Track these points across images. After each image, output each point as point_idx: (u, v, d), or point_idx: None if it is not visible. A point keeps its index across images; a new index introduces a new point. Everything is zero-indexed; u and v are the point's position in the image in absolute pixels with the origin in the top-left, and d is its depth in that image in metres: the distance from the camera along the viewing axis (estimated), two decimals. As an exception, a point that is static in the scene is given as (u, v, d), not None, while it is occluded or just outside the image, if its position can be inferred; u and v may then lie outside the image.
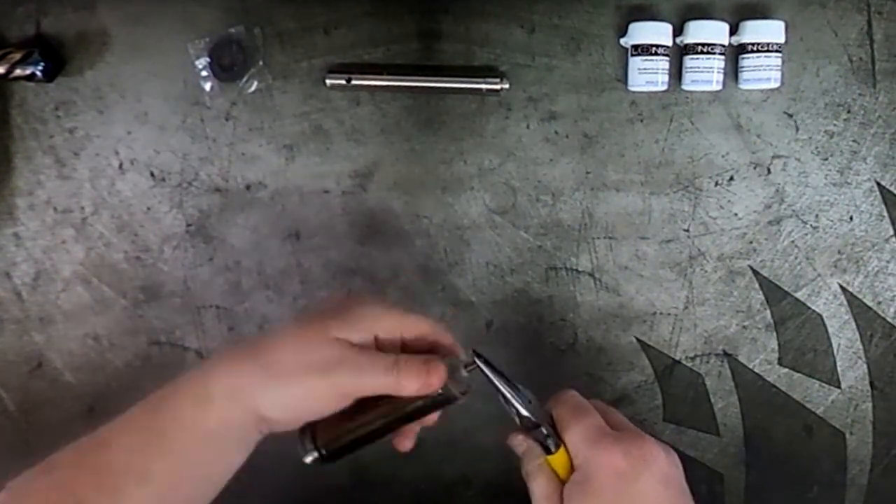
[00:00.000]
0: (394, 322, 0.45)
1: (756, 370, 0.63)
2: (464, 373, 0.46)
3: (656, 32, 0.59)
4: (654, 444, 0.44)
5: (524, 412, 0.45)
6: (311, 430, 0.44)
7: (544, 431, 0.45)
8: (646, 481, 0.42)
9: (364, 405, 0.43)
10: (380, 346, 0.44)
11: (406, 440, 0.47)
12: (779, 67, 0.59)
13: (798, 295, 0.63)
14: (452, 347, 0.47)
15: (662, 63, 0.59)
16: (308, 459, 0.43)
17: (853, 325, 0.63)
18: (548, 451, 0.45)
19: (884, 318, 0.63)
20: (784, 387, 0.63)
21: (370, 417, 0.44)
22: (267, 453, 0.44)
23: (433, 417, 0.46)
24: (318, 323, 0.43)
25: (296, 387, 0.41)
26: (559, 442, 0.45)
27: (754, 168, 0.62)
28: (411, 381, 0.42)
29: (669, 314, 0.63)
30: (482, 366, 0.45)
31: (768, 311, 0.63)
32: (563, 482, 0.45)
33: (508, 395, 0.45)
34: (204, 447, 0.41)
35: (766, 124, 0.62)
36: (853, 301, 0.63)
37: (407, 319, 0.45)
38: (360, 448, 0.45)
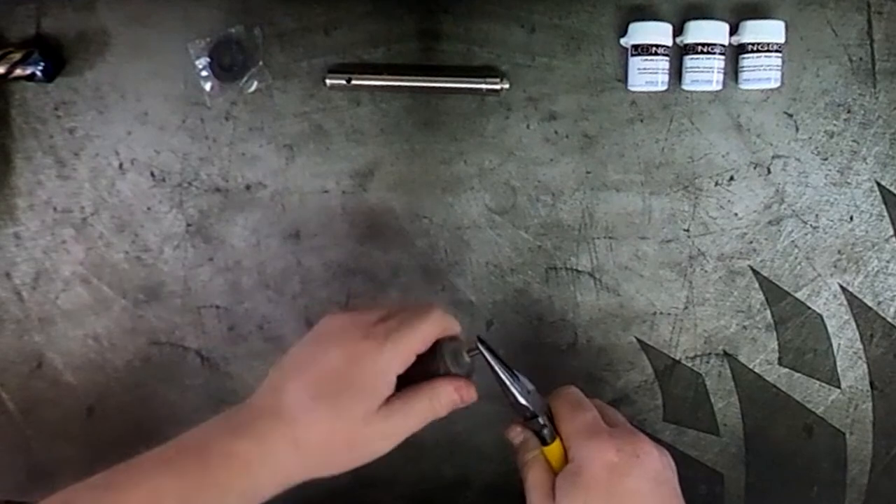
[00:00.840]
0: (408, 355, 0.44)
1: (756, 370, 0.63)
2: (466, 357, 0.46)
3: (656, 32, 0.59)
4: (648, 442, 0.45)
5: (521, 401, 0.46)
6: None
7: (541, 422, 0.46)
8: (637, 477, 0.43)
9: None
10: None
11: (471, 390, 0.47)
12: (779, 67, 0.59)
13: (798, 295, 0.63)
14: (456, 333, 0.48)
15: (662, 63, 0.59)
16: None
17: (853, 325, 0.63)
18: (543, 442, 0.46)
19: (884, 318, 0.63)
20: (784, 387, 0.63)
21: None
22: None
23: None
24: (349, 406, 0.42)
25: (353, 465, 0.44)
26: (555, 433, 0.46)
27: (754, 168, 0.62)
28: (448, 407, 0.45)
29: (669, 314, 0.63)
30: (484, 351, 0.46)
31: (768, 311, 0.63)
32: (556, 473, 0.46)
33: (507, 383, 0.46)
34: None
35: (766, 124, 0.62)
36: (853, 301, 0.63)
37: (417, 341, 0.44)
38: None
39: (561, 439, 0.46)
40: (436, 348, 0.45)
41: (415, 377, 0.45)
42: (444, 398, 0.45)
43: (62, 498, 0.41)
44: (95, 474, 0.42)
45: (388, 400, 0.43)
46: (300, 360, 0.45)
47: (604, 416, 0.48)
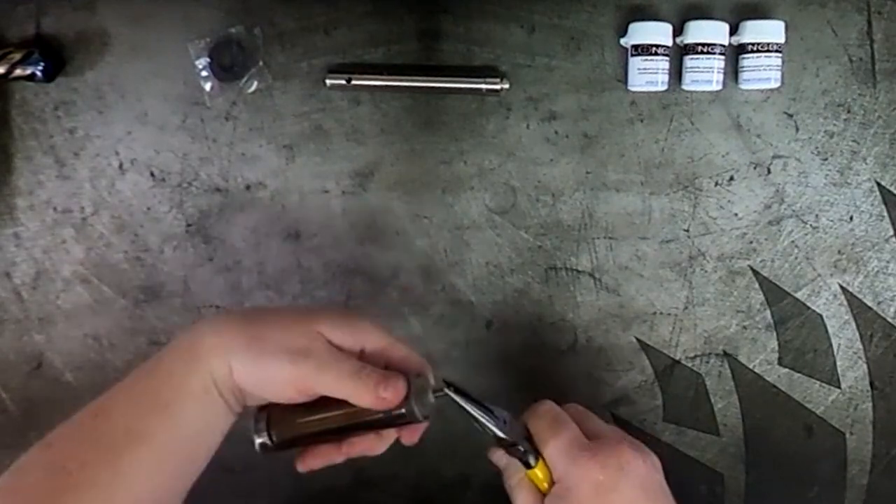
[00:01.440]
0: (384, 344, 0.45)
1: (756, 370, 0.63)
2: (431, 398, 0.45)
3: (656, 32, 0.59)
4: (630, 449, 0.45)
5: (500, 434, 0.45)
6: (267, 416, 0.44)
7: (521, 448, 0.46)
8: (623, 490, 0.43)
9: (326, 404, 0.44)
10: (363, 360, 0.45)
11: (412, 435, 0.47)
12: (779, 67, 0.59)
13: (798, 295, 0.63)
14: (425, 372, 0.46)
15: (662, 63, 0.59)
16: (257, 441, 0.44)
17: (853, 325, 0.63)
18: (527, 466, 0.46)
19: (884, 318, 0.63)
20: (784, 387, 0.63)
21: (327, 417, 0.44)
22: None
23: (392, 434, 0.46)
24: (313, 315, 0.44)
25: (265, 364, 0.42)
26: (537, 455, 0.46)
27: (754, 168, 0.62)
28: (367, 393, 0.42)
29: (669, 314, 0.63)
30: (452, 395, 0.45)
31: (768, 311, 0.63)
32: (544, 495, 0.46)
33: (483, 420, 0.45)
34: (195, 405, 0.42)
35: (766, 124, 0.62)
36: (853, 301, 0.63)
37: (397, 346, 0.46)
38: (311, 444, 0.45)
39: (543, 460, 0.46)
40: None
41: (375, 414, 0.44)
42: (370, 380, 0.43)
43: (44, 441, 0.42)
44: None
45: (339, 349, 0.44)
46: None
47: (583, 425, 0.47)
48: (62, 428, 0.42)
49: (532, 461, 0.46)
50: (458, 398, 0.45)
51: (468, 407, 0.45)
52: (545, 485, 0.46)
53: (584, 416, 0.50)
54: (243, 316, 0.44)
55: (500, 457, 0.48)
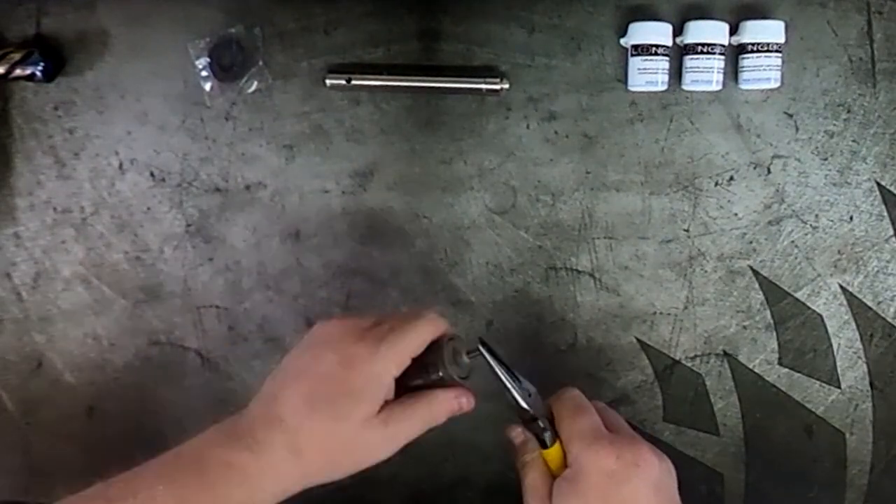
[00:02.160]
0: (403, 357, 0.44)
1: (756, 370, 0.63)
2: (465, 358, 0.46)
3: (656, 32, 0.59)
4: (648, 449, 0.45)
5: (522, 403, 0.46)
6: None
7: (541, 425, 0.46)
8: (635, 485, 0.43)
9: None
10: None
11: (468, 397, 0.47)
12: (779, 67, 0.59)
13: (798, 295, 0.63)
14: (455, 334, 0.47)
15: (662, 63, 0.59)
16: None
17: (853, 325, 0.63)
18: (543, 445, 0.46)
19: (884, 318, 0.63)
20: (784, 387, 0.63)
21: None
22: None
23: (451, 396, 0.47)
24: (345, 411, 0.42)
25: (351, 472, 0.43)
26: (555, 437, 0.46)
27: (754, 168, 0.62)
28: (447, 414, 0.45)
29: (669, 314, 0.63)
30: (485, 353, 0.46)
31: (768, 311, 0.63)
32: (554, 477, 0.46)
33: (508, 385, 0.46)
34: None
35: (766, 124, 0.62)
36: (853, 301, 0.63)
37: (412, 343, 0.44)
38: None
39: (561, 443, 0.46)
40: (435, 349, 0.45)
41: (415, 380, 0.45)
42: (443, 405, 0.45)
43: None
44: (94, 476, 0.42)
45: (388, 405, 0.43)
46: (295, 368, 0.44)
47: (605, 419, 0.47)
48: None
49: (549, 441, 0.46)
50: (490, 359, 0.46)
51: (498, 369, 0.46)
52: (557, 467, 0.46)
53: (609, 412, 0.50)
54: (293, 453, 0.42)
55: (517, 434, 0.48)
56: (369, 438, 0.42)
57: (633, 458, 0.44)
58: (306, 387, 0.43)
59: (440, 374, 0.45)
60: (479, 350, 0.46)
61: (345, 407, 0.42)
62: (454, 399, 0.45)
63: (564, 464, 0.45)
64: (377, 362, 0.43)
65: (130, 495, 0.39)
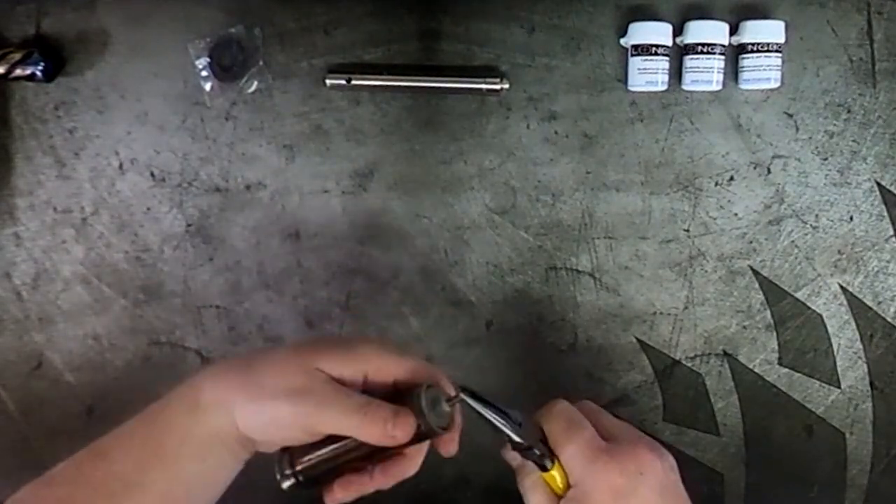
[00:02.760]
0: (387, 364, 0.44)
1: (756, 370, 0.63)
2: (445, 407, 0.44)
3: (656, 32, 0.59)
4: (648, 451, 0.44)
5: (515, 438, 0.44)
6: (290, 455, 0.43)
7: (537, 452, 0.45)
8: (642, 493, 0.43)
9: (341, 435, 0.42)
10: (368, 386, 0.43)
11: (410, 466, 0.45)
12: (779, 67, 0.59)
13: (798, 295, 0.63)
14: (438, 381, 0.45)
15: (662, 63, 0.59)
16: (284, 485, 0.43)
17: (853, 325, 0.63)
18: (544, 469, 0.45)
19: (884, 318, 0.63)
20: (784, 387, 0.63)
21: (347, 447, 0.42)
22: (265, 454, 0.44)
23: (421, 450, 0.45)
24: (309, 352, 0.43)
25: (265, 409, 0.41)
26: (553, 458, 0.45)
27: (754, 168, 0.62)
28: (375, 430, 0.41)
29: (669, 314, 0.63)
30: (468, 399, 0.44)
31: (768, 311, 0.63)
32: (559, 497, 0.45)
33: (499, 425, 0.44)
34: (197, 456, 0.42)
35: (766, 124, 0.62)
36: (853, 301, 0.63)
37: (401, 362, 0.44)
38: (340, 476, 0.43)
39: (559, 462, 0.45)
40: (412, 397, 0.43)
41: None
42: (376, 417, 0.41)
43: (44, 478, 0.42)
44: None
45: (342, 383, 0.43)
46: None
47: (597, 423, 0.47)
48: (63, 467, 0.42)
49: (548, 464, 0.45)
50: (473, 402, 0.44)
51: (483, 411, 0.44)
52: (561, 487, 0.45)
53: (598, 413, 0.49)
54: (241, 363, 0.43)
55: (513, 457, 0.47)
56: (295, 383, 0.41)
57: (636, 468, 0.43)
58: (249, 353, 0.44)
59: (418, 423, 0.42)
60: (458, 397, 0.44)
61: (310, 349, 0.43)
62: (384, 422, 0.41)
63: (567, 483, 0.45)
64: (367, 343, 0.44)
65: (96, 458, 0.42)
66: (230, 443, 0.42)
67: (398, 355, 0.44)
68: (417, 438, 0.42)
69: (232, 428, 0.41)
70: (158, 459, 0.41)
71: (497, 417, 0.44)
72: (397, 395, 0.43)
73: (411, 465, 0.45)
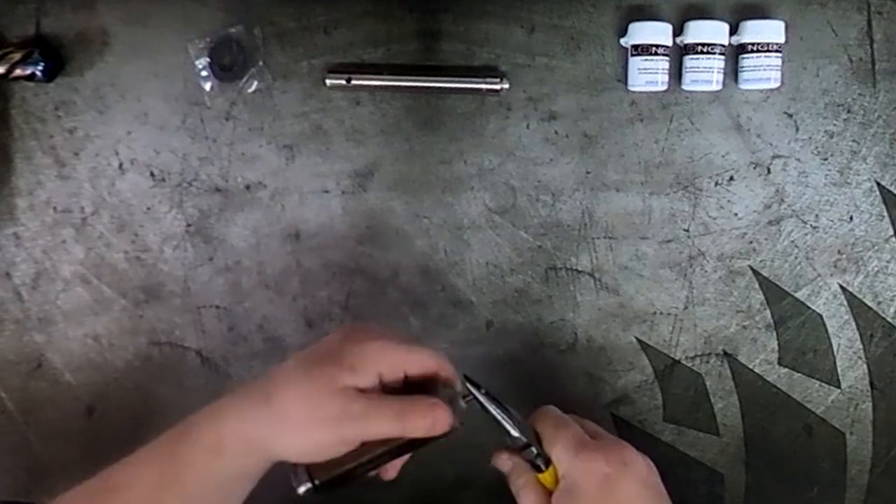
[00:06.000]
0: (397, 360, 0.45)
1: (756, 370, 0.63)
2: (462, 404, 0.46)
3: (656, 32, 0.59)
4: (631, 449, 0.47)
5: (515, 433, 0.46)
6: (306, 465, 0.44)
7: (534, 451, 0.46)
8: (629, 484, 0.44)
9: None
10: (385, 384, 0.45)
11: (391, 471, 0.48)
12: (779, 67, 0.59)
13: (798, 295, 0.63)
14: (452, 378, 0.47)
15: (662, 63, 0.59)
16: (301, 490, 0.44)
17: (853, 325, 0.63)
18: (538, 470, 0.47)
19: (884, 318, 0.63)
20: (784, 387, 0.63)
21: (366, 451, 0.44)
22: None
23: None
24: (325, 373, 0.43)
25: (306, 438, 0.42)
26: (548, 460, 0.46)
27: (754, 168, 0.62)
28: (417, 427, 0.43)
29: (669, 314, 0.63)
30: (479, 396, 0.46)
31: (768, 311, 0.63)
32: (550, 493, 0.46)
33: (501, 419, 0.46)
34: (218, 493, 0.43)
35: (766, 124, 0.62)
36: (853, 301, 0.63)
37: (410, 356, 0.45)
38: (355, 480, 0.45)
39: (551, 460, 0.46)
40: (432, 394, 0.45)
41: None
42: (416, 415, 0.43)
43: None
44: (94, 474, 0.43)
45: (366, 391, 0.43)
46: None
47: (584, 427, 0.49)
48: (72, 496, 0.42)
49: (542, 465, 0.46)
50: (483, 400, 0.46)
51: (491, 409, 0.46)
52: (551, 484, 0.46)
53: (587, 423, 0.51)
54: (259, 395, 0.43)
55: (504, 461, 0.49)
56: (336, 407, 0.42)
57: (620, 458, 0.45)
58: (299, 357, 0.45)
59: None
60: (471, 394, 0.46)
61: (323, 369, 0.43)
62: (428, 412, 0.43)
63: (557, 479, 0.46)
64: (371, 345, 0.44)
65: (124, 477, 0.42)
66: (255, 475, 0.43)
67: (405, 350, 0.45)
68: (435, 436, 0.44)
69: (260, 462, 0.42)
70: (174, 496, 0.41)
71: (503, 415, 0.46)
72: (411, 386, 0.45)
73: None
